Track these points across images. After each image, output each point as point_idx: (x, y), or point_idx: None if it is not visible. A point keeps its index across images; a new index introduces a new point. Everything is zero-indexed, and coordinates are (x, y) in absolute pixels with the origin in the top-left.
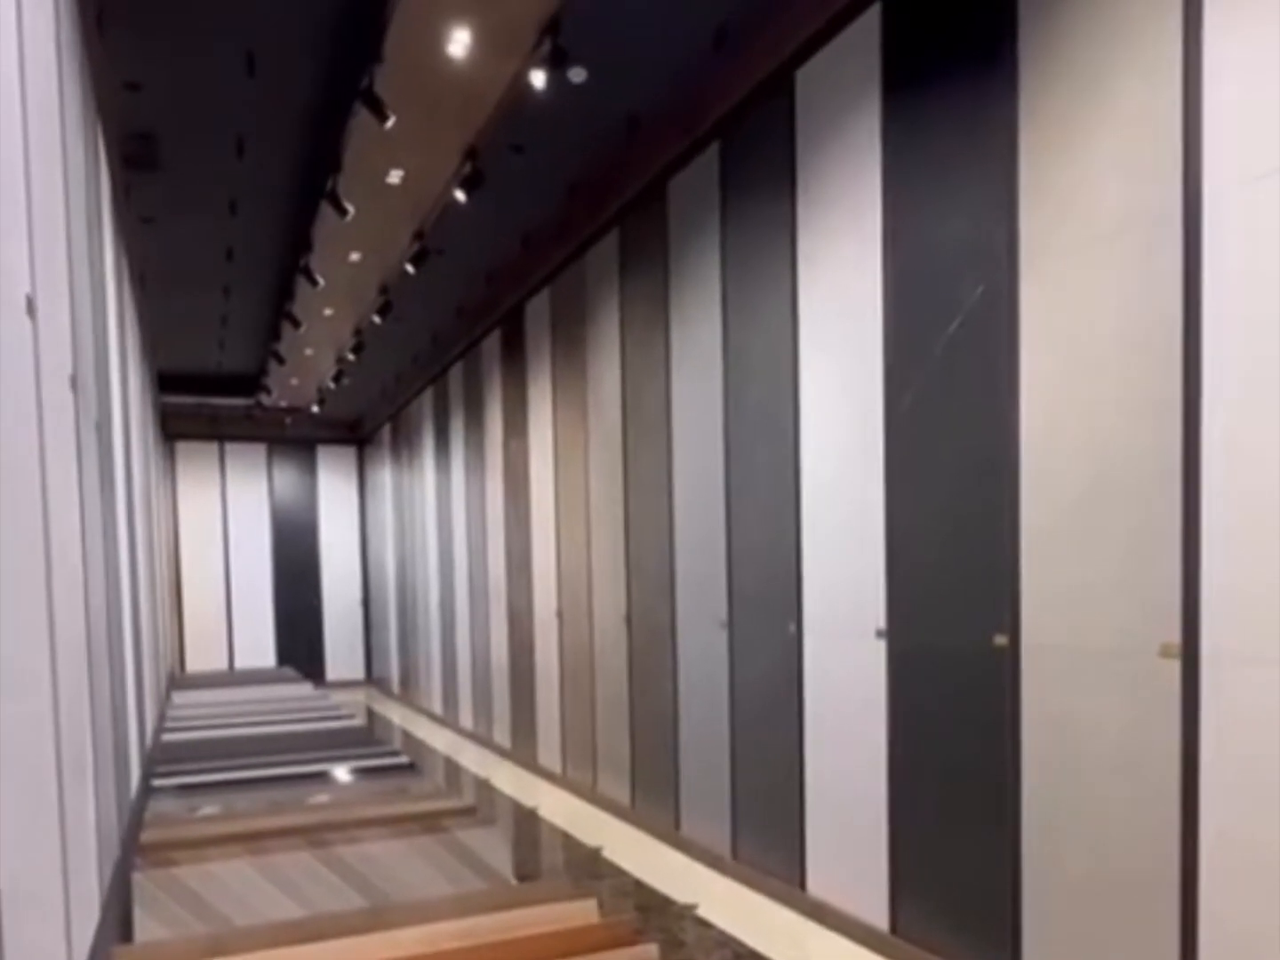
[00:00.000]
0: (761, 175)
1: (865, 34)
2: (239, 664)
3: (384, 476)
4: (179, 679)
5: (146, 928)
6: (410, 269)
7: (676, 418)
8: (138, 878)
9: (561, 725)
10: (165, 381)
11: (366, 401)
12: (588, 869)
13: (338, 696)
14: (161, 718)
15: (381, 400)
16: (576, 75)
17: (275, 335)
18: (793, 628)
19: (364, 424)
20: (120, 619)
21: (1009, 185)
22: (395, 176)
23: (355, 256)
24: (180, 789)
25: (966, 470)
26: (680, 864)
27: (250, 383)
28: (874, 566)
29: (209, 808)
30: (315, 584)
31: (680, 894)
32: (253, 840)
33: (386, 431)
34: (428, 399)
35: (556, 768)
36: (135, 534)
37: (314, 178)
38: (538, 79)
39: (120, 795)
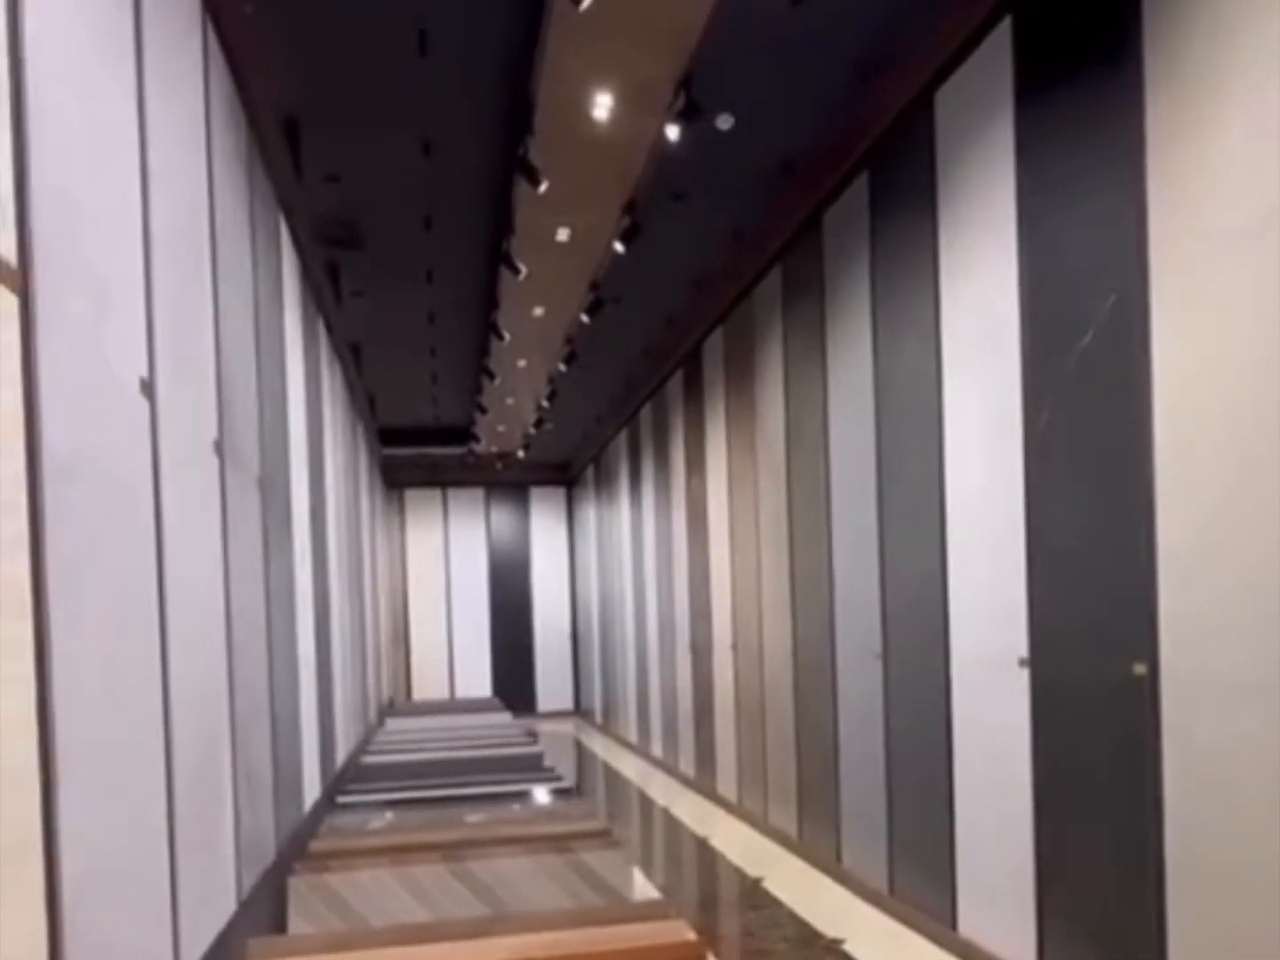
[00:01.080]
0: (906, 199)
1: (998, 48)
2: (459, 694)
3: (589, 515)
4: (397, 707)
5: (296, 925)
6: (585, 319)
7: (833, 448)
8: (293, 882)
9: (737, 755)
10: (390, 435)
11: (571, 444)
12: (747, 899)
13: (545, 726)
14: (365, 742)
15: (585, 442)
16: (724, 122)
17: (478, 388)
18: (940, 658)
19: (572, 466)
20: (294, 662)
21: (1137, 190)
22: (563, 234)
23: (539, 311)
24: (360, 806)
25: (1102, 488)
26: (839, 898)
27: (463, 432)
28: (1015, 592)
29: (376, 822)
30: (527, 619)
31: (832, 928)
32: (399, 853)
33: (590, 472)
34: (623, 439)
35: (733, 797)
36: (327, 577)
37: (493, 242)
38: (673, 133)
39: (283, 810)
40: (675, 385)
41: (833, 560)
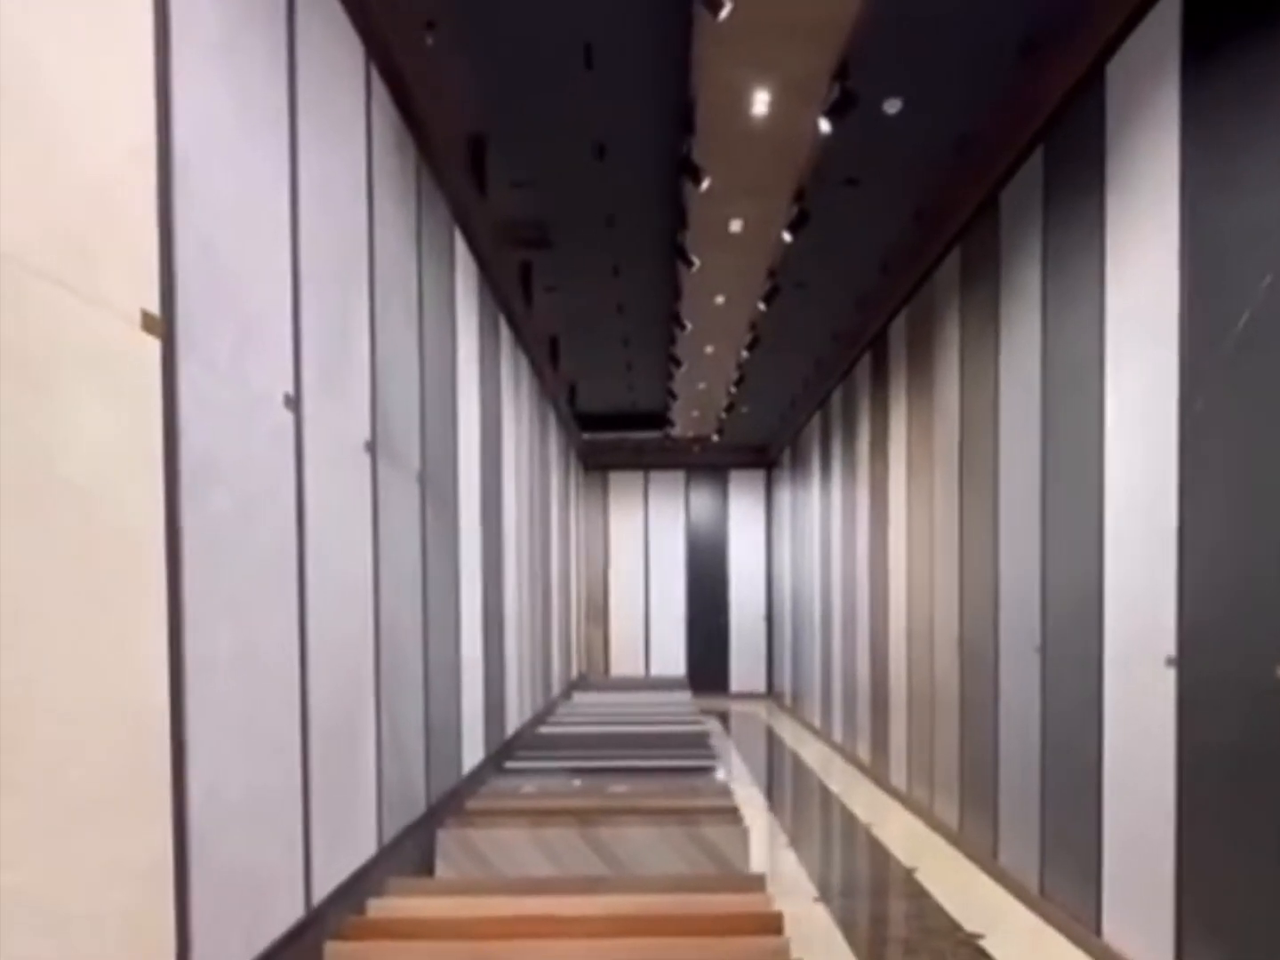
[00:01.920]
0: (1077, 176)
1: (1166, 16)
2: (653, 672)
3: (785, 498)
4: (587, 682)
5: (442, 871)
6: (768, 305)
7: (1003, 438)
8: (441, 834)
9: (908, 745)
10: (592, 420)
11: (768, 427)
12: (898, 888)
13: (737, 708)
14: (547, 714)
15: (781, 425)
16: (891, 106)
17: (669, 375)
18: (1094, 653)
19: (770, 449)
20: (456, 641)
21: None
22: (736, 226)
23: (720, 300)
24: (525, 771)
25: (1258, 477)
26: (989, 893)
27: (659, 417)
28: (1165, 588)
29: (529, 787)
30: (723, 600)
31: (976, 923)
32: (539, 816)
33: (787, 455)
34: (816, 423)
35: (903, 787)
36: (500, 559)
37: (670, 237)
38: (827, 125)
39: (437, 772)
40: (864, 369)
41: (998, 549)
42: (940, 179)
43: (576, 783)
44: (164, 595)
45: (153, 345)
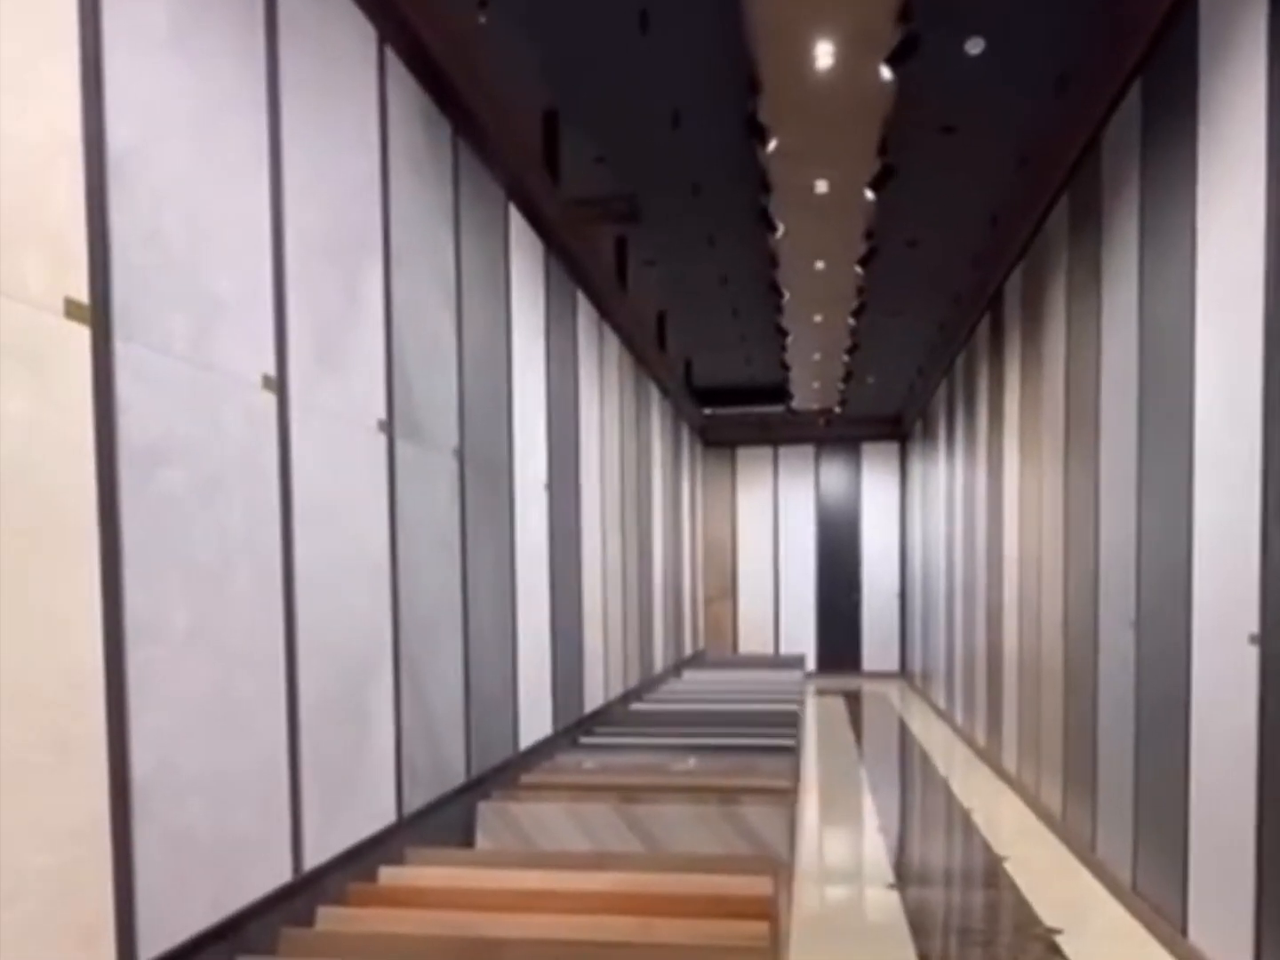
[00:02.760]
0: (1172, 113)
1: None
2: (783, 650)
3: (917, 471)
4: (701, 659)
5: (481, 843)
6: (859, 269)
7: (1104, 406)
8: (481, 806)
9: (1018, 726)
10: (712, 396)
11: (899, 397)
12: (983, 877)
13: (868, 687)
14: (645, 690)
15: (911, 395)
16: (974, 46)
17: (783, 346)
18: (1182, 628)
19: (904, 420)
20: (511, 618)
21: None
22: (822, 186)
23: (820, 265)
24: (597, 747)
25: None
26: (1082, 887)
27: (780, 390)
28: (1249, 557)
29: (590, 762)
30: (855, 577)
31: (1058, 918)
32: (581, 791)
33: (919, 426)
34: (942, 392)
35: (1013, 770)
36: (576, 537)
37: (758, 202)
38: (886, 72)
39: (482, 745)
40: (983, 332)
41: (1099, 521)
42: (1042, 122)
43: (624, 759)
44: (97, 570)
45: (80, 332)
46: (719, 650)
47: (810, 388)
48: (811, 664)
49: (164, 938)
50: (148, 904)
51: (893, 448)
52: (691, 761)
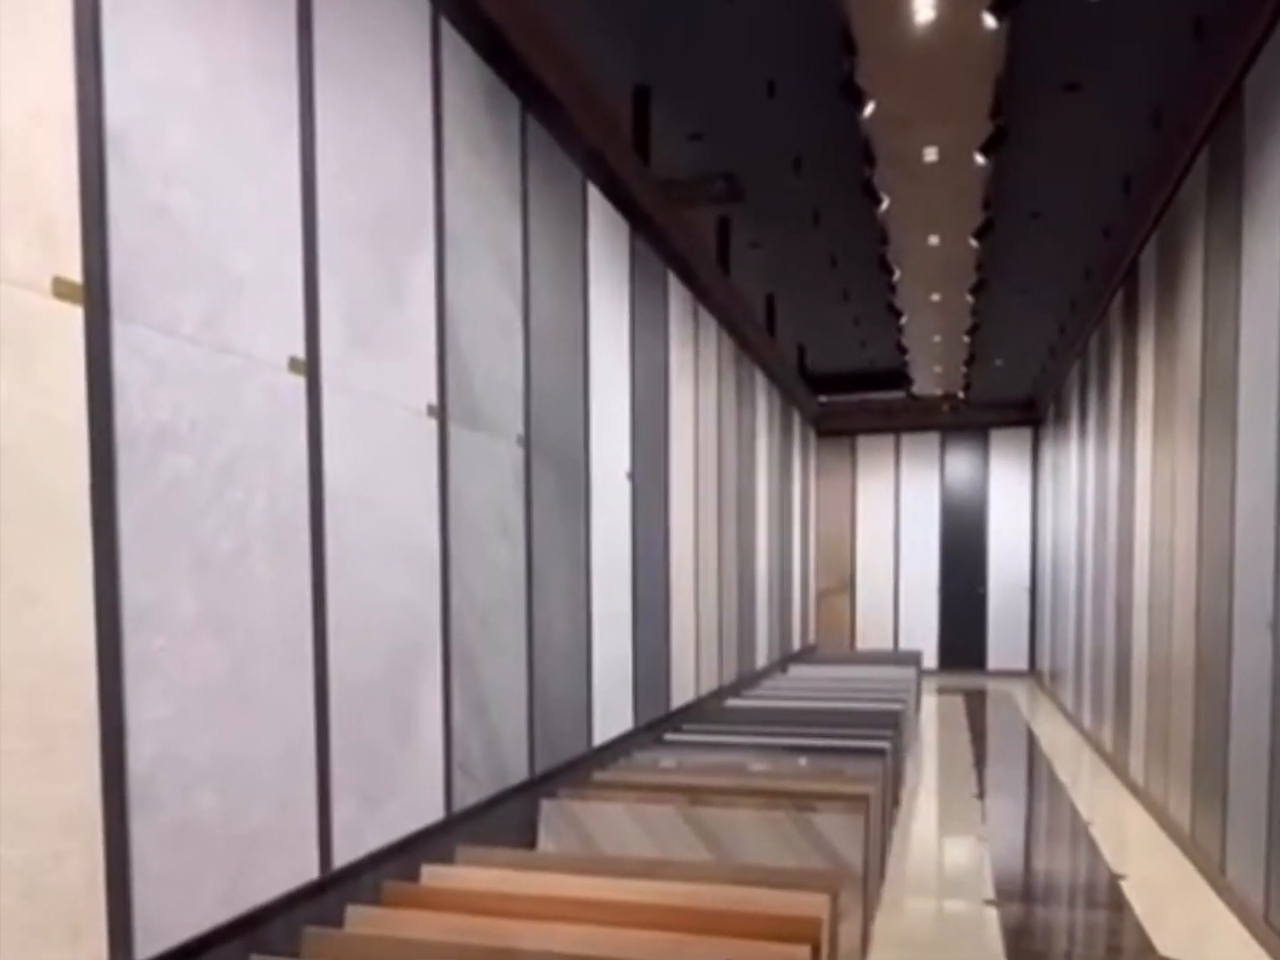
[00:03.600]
0: None
1: None
2: (902, 645)
3: (1048, 458)
4: (811, 654)
5: (543, 843)
6: (974, 243)
7: (1243, 385)
8: (545, 805)
9: (1146, 733)
10: (827, 383)
11: (1030, 380)
12: (1094, 896)
13: (993, 686)
14: (744, 686)
15: (1043, 377)
16: None
17: (899, 329)
18: None
19: (1038, 404)
20: (585, 612)
21: None
22: (931, 154)
23: (933, 240)
24: (681, 745)
25: None
26: (1207, 911)
27: (899, 375)
28: None
29: (669, 761)
30: (981, 570)
31: (1173, 947)
32: (651, 791)
33: (1051, 411)
34: (1075, 374)
35: (1140, 779)
36: (663, 528)
37: (861, 173)
38: (990, 20)
39: (548, 740)
40: (1116, 308)
41: (1235, 514)
42: (1178, 74)
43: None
44: (88, 555)
45: (71, 312)
46: (835, 645)
47: (931, 372)
48: (933, 661)
49: (167, 934)
50: (147, 899)
51: (1024, 434)
52: (803, 761)
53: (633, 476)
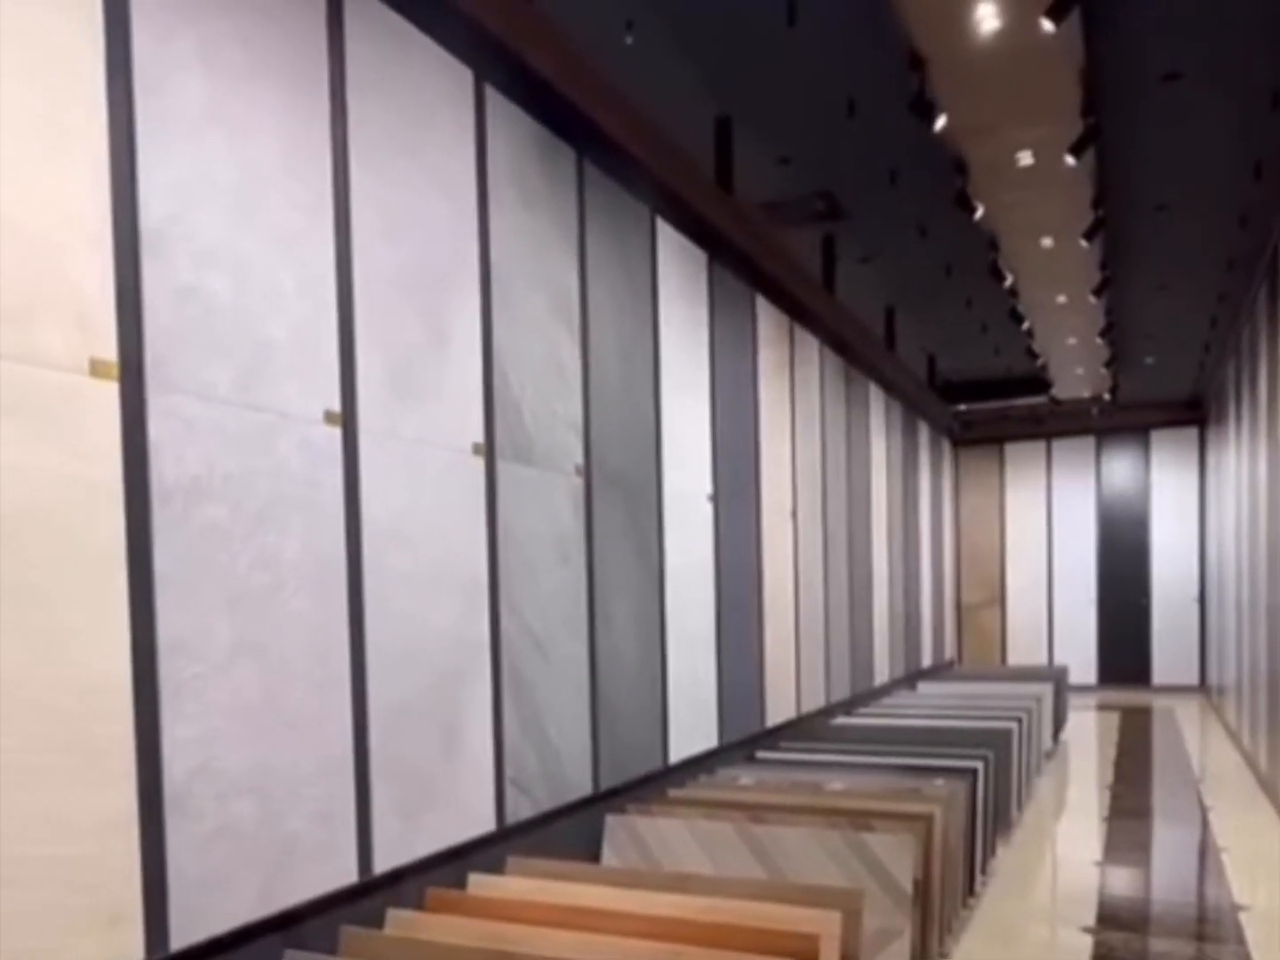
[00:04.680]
0: None
1: None
2: (1057, 660)
3: (1212, 459)
4: (945, 670)
5: (606, 857)
6: (1084, 243)
7: None
8: (609, 820)
9: None
10: (963, 391)
11: (1189, 378)
12: (1208, 928)
13: (1159, 702)
14: (858, 704)
15: (1202, 374)
16: None
17: (1030, 333)
18: None
19: (1205, 402)
20: (655, 634)
21: None
22: (1025, 158)
23: (1047, 242)
24: (769, 762)
25: None
26: None
27: (1039, 380)
28: None
29: (746, 779)
30: (1144, 580)
31: None
32: (712, 808)
33: (1214, 410)
34: (1230, 369)
35: None
36: (759, 550)
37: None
38: (1047, 25)
39: (615, 757)
40: (1262, 299)
41: None
42: None
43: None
44: (125, 598)
45: (107, 387)
46: (984, 661)
47: (1073, 374)
48: (1092, 677)
49: (200, 926)
50: (182, 894)
51: (1189, 434)
52: (940, 783)
53: (714, 499)
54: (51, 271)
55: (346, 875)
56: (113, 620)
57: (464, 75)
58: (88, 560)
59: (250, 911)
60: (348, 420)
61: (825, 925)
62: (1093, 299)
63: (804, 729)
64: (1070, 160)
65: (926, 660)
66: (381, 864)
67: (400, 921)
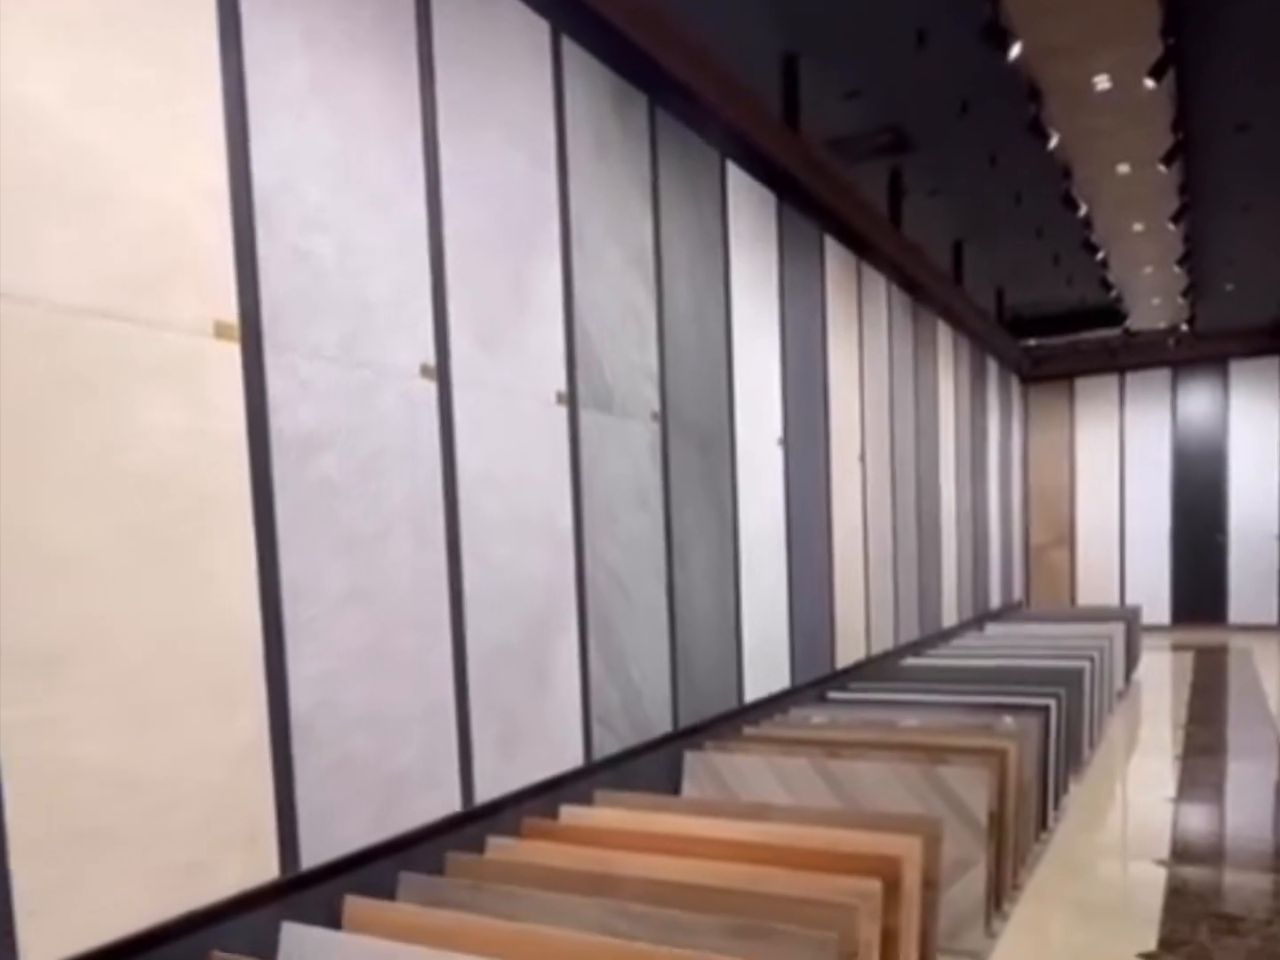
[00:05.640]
0: None
1: None
2: (1129, 600)
3: None
4: (1013, 612)
5: (686, 791)
6: (1162, 168)
7: None
8: (688, 756)
9: None
10: (1034, 326)
11: (1276, 303)
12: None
13: (1236, 641)
14: (927, 645)
15: None
16: None
17: (1104, 263)
18: None
19: None
20: (732, 584)
21: None
22: (1102, 82)
23: (1124, 168)
24: (839, 702)
25: None
26: None
27: (1112, 311)
28: None
29: (819, 718)
30: (1220, 517)
31: None
32: (789, 745)
33: None
34: None
35: None
36: (828, 491)
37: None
38: None
39: (693, 697)
40: None
41: None
42: None
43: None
44: (252, 545)
45: (230, 349)
46: (1052, 602)
47: (1149, 304)
48: (1165, 616)
49: (326, 849)
50: (309, 819)
51: (1271, 364)
52: (1008, 720)
53: (784, 443)
54: (180, 241)
55: (451, 805)
56: (243, 566)
57: (541, 28)
58: (220, 512)
59: (367, 836)
60: (442, 373)
61: (907, 849)
62: (1171, 226)
63: (873, 670)
64: (1150, 83)
65: (995, 602)
66: (482, 795)
67: (500, 848)
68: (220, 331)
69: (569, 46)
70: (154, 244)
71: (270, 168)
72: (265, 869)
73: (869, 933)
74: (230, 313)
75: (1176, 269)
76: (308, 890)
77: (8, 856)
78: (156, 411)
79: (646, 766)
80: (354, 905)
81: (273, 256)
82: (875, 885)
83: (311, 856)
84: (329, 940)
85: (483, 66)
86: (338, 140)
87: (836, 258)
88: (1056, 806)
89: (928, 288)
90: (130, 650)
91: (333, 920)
